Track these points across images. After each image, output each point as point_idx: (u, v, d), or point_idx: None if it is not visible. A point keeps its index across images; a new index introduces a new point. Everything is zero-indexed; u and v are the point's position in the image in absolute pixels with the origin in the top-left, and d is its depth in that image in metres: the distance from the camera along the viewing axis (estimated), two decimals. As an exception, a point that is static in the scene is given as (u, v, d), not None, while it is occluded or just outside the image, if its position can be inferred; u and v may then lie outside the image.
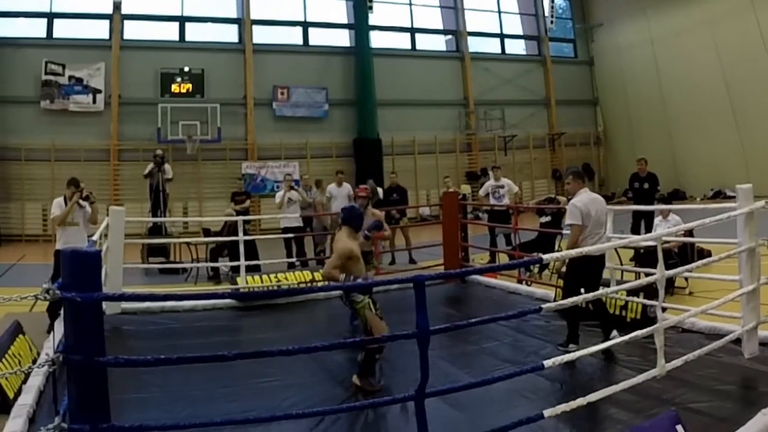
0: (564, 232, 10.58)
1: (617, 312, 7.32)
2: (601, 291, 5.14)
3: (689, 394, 5.05)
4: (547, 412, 4.06)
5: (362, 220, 6.29)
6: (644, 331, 4.94)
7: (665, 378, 4.89)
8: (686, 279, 8.87)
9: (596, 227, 6.55)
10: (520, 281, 10.10)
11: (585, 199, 6.61)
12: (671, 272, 5.68)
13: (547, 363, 4.22)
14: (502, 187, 12.97)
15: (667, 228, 8.40)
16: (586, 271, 6.41)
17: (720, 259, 5.98)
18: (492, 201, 12.95)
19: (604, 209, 6.80)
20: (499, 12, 26.83)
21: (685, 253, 9.14)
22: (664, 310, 5.20)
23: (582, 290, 6.15)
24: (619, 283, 7.31)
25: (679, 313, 6.04)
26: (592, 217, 6.51)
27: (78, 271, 3.17)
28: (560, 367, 4.51)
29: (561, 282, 7.10)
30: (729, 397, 5.04)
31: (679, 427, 3.95)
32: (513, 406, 4.98)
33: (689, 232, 7.87)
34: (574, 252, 5.15)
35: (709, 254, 8.44)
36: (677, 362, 4.92)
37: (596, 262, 6.45)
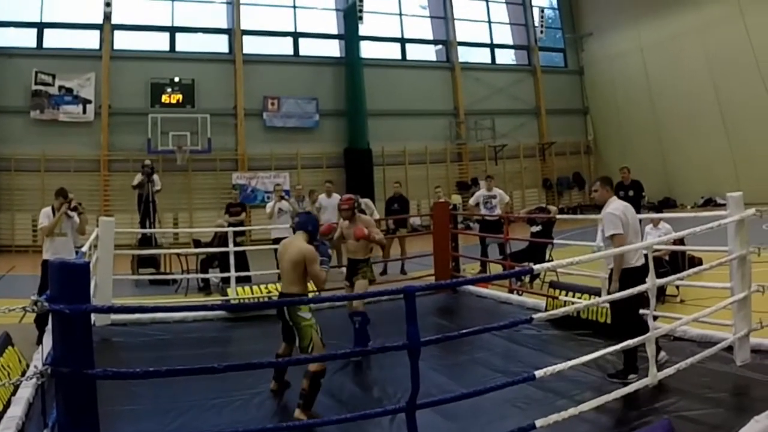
0: (555, 241, 10.63)
1: (608, 321, 7.30)
2: (593, 300, 5.11)
3: (682, 403, 5.05)
4: (539, 422, 4.05)
5: (318, 226, 6.08)
6: (636, 340, 4.95)
7: (657, 387, 4.88)
8: (677, 287, 8.89)
9: (634, 236, 6.05)
10: (511, 291, 10.09)
11: (620, 206, 6.06)
12: (662, 281, 5.69)
13: (539, 373, 4.22)
14: (494, 197, 12.87)
15: (657, 236, 8.41)
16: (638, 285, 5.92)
17: (711, 267, 5.99)
18: (483, 211, 12.90)
19: (636, 217, 6.31)
20: (489, 22, 26.98)
21: (676, 261, 9.17)
22: (655, 318, 5.20)
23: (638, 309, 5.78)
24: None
25: (671, 322, 6.05)
26: (630, 225, 6.00)
27: (66, 283, 3.15)
28: (552, 377, 4.49)
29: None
30: (721, 405, 5.04)
31: (671, 436, 3.95)
32: (505, 416, 4.96)
33: (680, 240, 7.88)
34: (565, 262, 5.11)
35: (700, 262, 8.47)
36: (669, 371, 4.93)
37: (643, 272, 5.89)
